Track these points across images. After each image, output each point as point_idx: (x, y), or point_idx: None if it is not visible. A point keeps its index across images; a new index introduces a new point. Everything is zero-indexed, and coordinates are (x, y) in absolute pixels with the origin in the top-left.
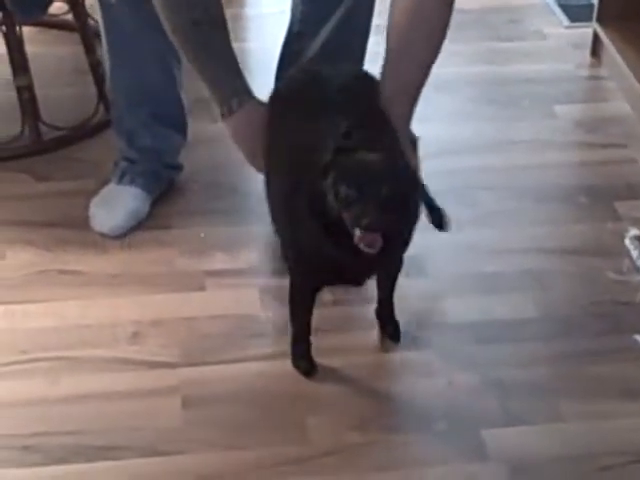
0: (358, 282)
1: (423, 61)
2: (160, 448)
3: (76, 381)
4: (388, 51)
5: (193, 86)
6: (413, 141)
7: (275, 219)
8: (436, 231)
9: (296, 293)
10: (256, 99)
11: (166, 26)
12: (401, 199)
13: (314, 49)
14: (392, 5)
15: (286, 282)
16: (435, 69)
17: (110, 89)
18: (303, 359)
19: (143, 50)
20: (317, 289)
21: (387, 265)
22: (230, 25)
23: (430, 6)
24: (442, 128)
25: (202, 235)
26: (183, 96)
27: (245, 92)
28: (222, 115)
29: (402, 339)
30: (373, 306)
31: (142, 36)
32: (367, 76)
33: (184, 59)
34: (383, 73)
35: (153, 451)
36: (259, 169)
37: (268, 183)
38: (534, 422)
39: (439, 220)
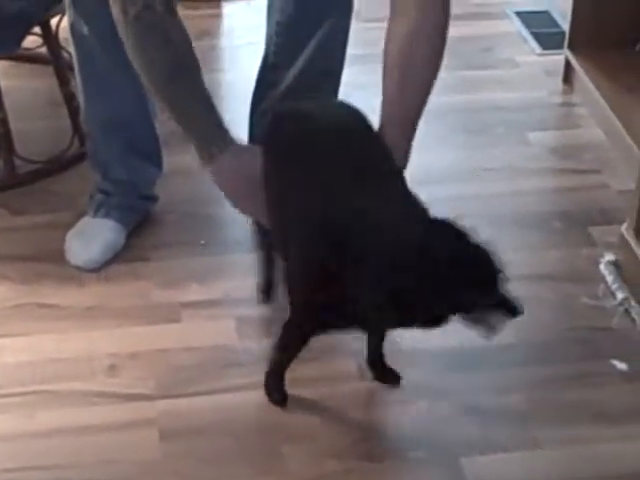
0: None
1: (423, 91)
2: None
3: (52, 415)
4: (386, 85)
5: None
6: None
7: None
8: None
9: (298, 335)
10: (239, 144)
11: (142, 77)
12: None
13: (289, 81)
14: (387, 39)
15: (263, 311)
16: None
17: (84, 122)
18: (277, 391)
19: (116, 83)
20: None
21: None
22: (205, 56)
23: (426, 35)
24: (416, 157)
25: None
26: (157, 128)
27: (225, 138)
28: (203, 162)
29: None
30: (349, 335)
31: (115, 69)
32: (356, 112)
33: (164, 106)
34: (384, 107)
35: None
36: (251, 216)
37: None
38: (512, 449)
39: None
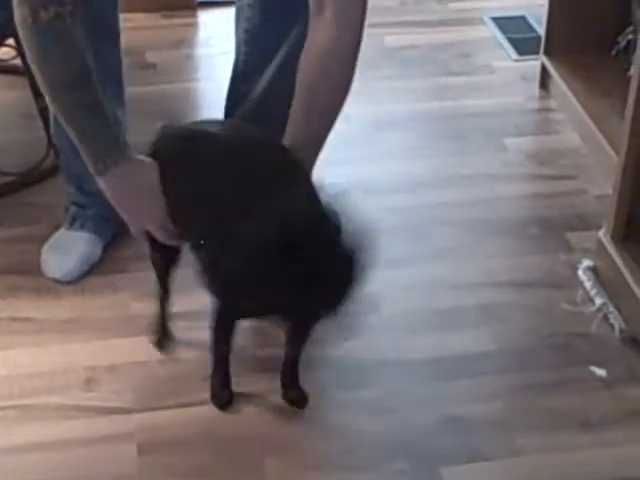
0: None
1: (330, 115)
2: None
3: (30, 430)
4: (294, 106)
5: (140, 128)
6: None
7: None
8: (390, 268)
9: (222, 322)
10: (134, 156)
11: (39, 83)
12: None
13: (260, 89)
14: (303, 54)
15: (242, 324)
16: (385, 106)
17: (55, 136)
18: (221, 391)
19: None
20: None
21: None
22: (181, 65)
23: (340, 56)
24: (394, 165)
25: None
26: (128, 139)
27: (122, 150)
28: (96, 172)
29: (357, 377)
30: (324, 344)
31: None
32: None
33: (60, 117)
34: (289, 128)
35: None
36: (137, 232)
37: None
38: (493, 457)
39: None
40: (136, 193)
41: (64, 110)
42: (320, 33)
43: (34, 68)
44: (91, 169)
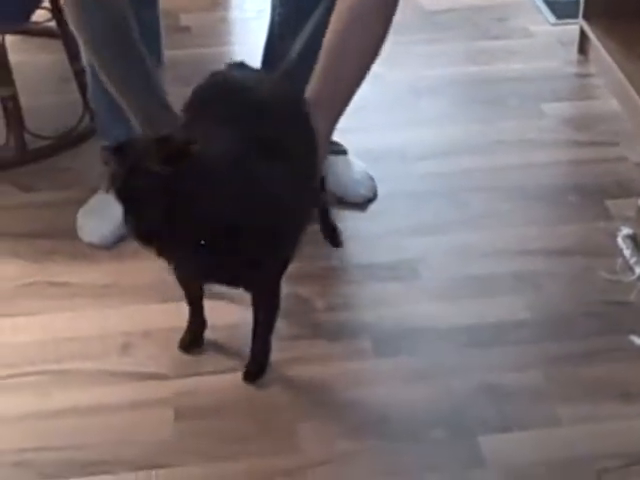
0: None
1: (353, 77)
2: (153, 461)
3: (66, 395)
4: (318, 66)
5: (174, 92)
6: (344, 151)
7: None
8: (427, 234)
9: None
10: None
11: (82, 42)
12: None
13: (296, 50)
14: (333, 14)
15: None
16: (422, 70)
17: (91, 100)
18: (189, 331)
19: None
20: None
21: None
22: (215, 28)
23: (367, 19)
24: (429, 130)
25: None
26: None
27: (163, 101)
28: (142, 124)
29: (395, 344)
30: (364, 312)
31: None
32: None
33: (102, 74)
34: (311, 86)
35: (146, 464)
36: None
37: None
38: (531, 427)
39: (332, 236)
40: None
41: (105, 65)
42: None
43: (72, 21)
44: (134, 121)
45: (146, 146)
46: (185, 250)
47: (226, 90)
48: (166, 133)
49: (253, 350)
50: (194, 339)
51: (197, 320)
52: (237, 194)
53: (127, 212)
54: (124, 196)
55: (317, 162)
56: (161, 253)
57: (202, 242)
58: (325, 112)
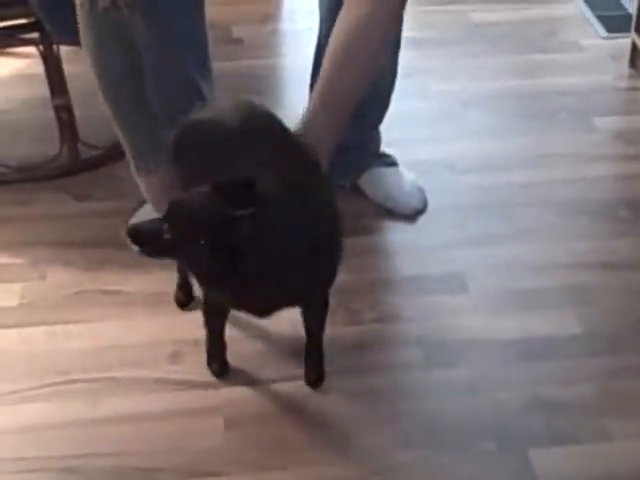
0: (260, 315)
1: (361, 79)
2: (202, 469)
3: (116, 402)
4: (325, 67)
5: None
6: (394, 163)
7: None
8: (476, 247)
9: (206, 306)
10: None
11: (93, 72)
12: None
13: None
14: (337, 21)
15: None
16: (471, 83)
17: None
18: (214, 362)
19: (171, 76)
20: (224, 307)
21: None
22: (266, 40)
23: (377, 23)
24: (479, 143)
25: None
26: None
27: (162, 151)
28: (137, 174)
29: (446, 356)
30: (413, 324)
31: (167, 59)
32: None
33: (107, 108)
34: (317, 89)
35: (194, 472)
36: None
37: None
38: (582, 441)
39: None
40: (166, 195)
41: (112, 102)
42: (356, 2)
43: (88, 56)
44: (131, 167)
45: (206, 195)
46: (260, 288)
47: (214, 130)
48: (224, 178)
49: (310, 357)
50: (222, 364)
51: (220, 346)
52: (301, 219)
53: (203, 263)
54: (203, 248)
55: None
56: (219, 289)
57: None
58: (331, 115)
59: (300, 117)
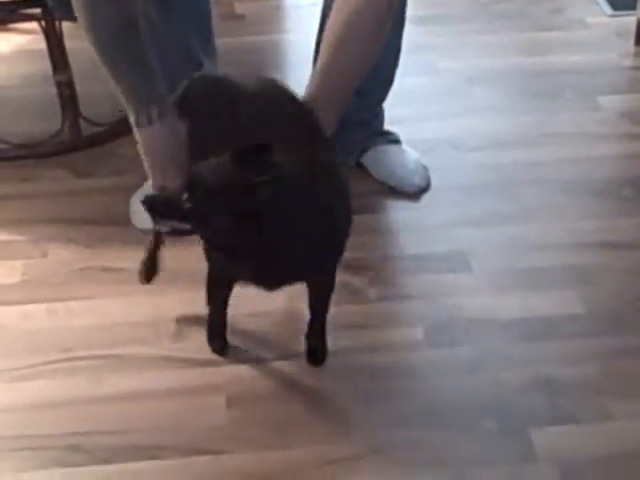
0: (269, 287)
1: (359, 63)
2: (205, 447)
3: (119, 380)
4: (323, 50)
5: None
6: (397, 140)
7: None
8: (480, 226)
9: (211, 282)
10: (173, 114)
11: (81, 24)
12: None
13: None
14: (334, 7)
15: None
16: (476, 61)
17: None
18: (215, 339)
19: (172, 48)
20: (231, 282)
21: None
22: (270, 16)
23: (372, 8)
24: (483, 121)
25: None
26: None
27: (165, 103)
28: (138, 125)
29: (448, 335)
30: (416, 302)
31: (167, 30)
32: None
33: (99, 60)
34: (315, 72)
35: (198, 450)
36: (156, 189)
37: None
38: (583, 420)
39: None
40: (166, 151)
41: (109, 62)
42: None
43: (80, 16)
44: (132, 120)
45: (224, 164)
46: (274, 258)
47: (228, 92)
48: (241, 148)
49: (313, 335)
50: (222, 341)
51: (221, 324)
52: (314, 194)
53: (222, 230)
54: (223, 216)
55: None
56: (237, 259)
57: (288, 246)
58: (329, 99)
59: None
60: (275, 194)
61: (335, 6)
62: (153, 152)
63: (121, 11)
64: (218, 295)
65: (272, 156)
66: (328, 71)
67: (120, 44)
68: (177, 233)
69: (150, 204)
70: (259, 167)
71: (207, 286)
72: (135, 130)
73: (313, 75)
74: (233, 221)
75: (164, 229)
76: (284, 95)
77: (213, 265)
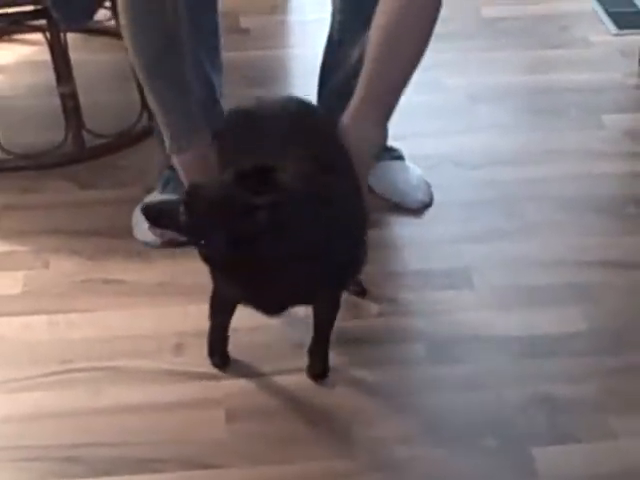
0: (270, 312)
1: (406, 66)
2: (204, 461)
3: (119, 392)
4: (369, 57)
5: (232, 93)
6: (400, 156)
7: None
8: (482, 242)
9: (215, 299)
10: (207, 137)
11: (128, 48)
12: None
13: (355, 58)
14: (377, 11)
15: None
16: (480, 77)
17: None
18: (216, 354)
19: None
20: (233, 301)
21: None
22: (275, 31)
23: (417, 9)
24: (487, 138)
25: None
26: (223, 105)
27: (197, 132)
28: (170, 151)
29: (449, 352)
30: (418, 318)
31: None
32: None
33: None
34: (362, 80)
35: (197, 464)
36: None
37: None
38: (584, 439)
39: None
40: (203, 172)
41: (149, 80)
42: None
43: (125, 33)
44: (167, 144)
45: (226, 182)
46: (273, 282)
47: (257, 119)
48: (244, 166)
49: (316, 351)
50: (223, 355)
51: (222, 339)
52: (322, 212)
53: (218, 250)
54: (219, 235)
55: (358, 174)
56: (234, 280)
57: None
58: (378, 105)
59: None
60: (274, 218)
61: (379, 9)
62: (187, 175)
63: (165, 30)
64: (220, 312)
65: (275, 178)
66: (376, 75)
67: (161, 63)
68: (175, 244)
69: (148, 212)
70: (259, 188)
71: (210, 302)
72: (170, 154)
73: (360, 82)
74: (228, 240)
75: (160, 239)
76: (319, 126)
77: (216, 283)
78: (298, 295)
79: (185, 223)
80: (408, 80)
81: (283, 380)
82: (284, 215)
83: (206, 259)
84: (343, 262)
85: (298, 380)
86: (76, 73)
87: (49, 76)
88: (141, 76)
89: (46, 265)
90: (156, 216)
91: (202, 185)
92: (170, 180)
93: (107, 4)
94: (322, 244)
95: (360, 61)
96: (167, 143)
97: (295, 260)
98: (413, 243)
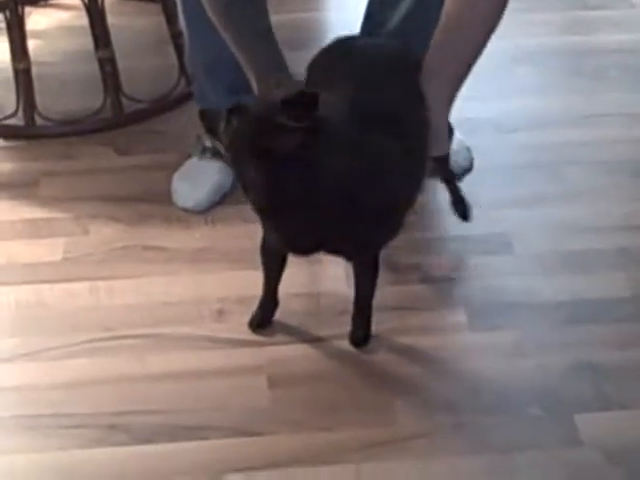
0: (299, 250)
1: (474, 45)
2: (246, 428)
3: (161, 359)
4: (441, 26)
5: None
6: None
7: None
8: (523, 207)
9: (263, 247)
10: (293, 78)
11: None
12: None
13: (397, 19)
14: None
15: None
16: (519, 39)
17: (188, 63)
18: (260, 310)
19: None
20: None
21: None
22: None
23: None
24: (527, 101)
25: None
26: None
27: (284, 70)
28: (259, 92)
29: (491, 319)
30: (459, 285)
31: None
32: (407, 54)
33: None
34: (429, 56)
35: (239, 431)
36: None
37: None
38: (629, 406)
39: (462, 210)
40: None
41: (233, 29)
42: None
43: None
44: (249, 76)
45: (271, 104)
46: (300, 215)
47: (348, 57)
48: (292, 91)
49: (358, 317)
50: (264, 320)
51: (270, 300)
52: (359, 161)
53: (249, 170)
54: (249, 154)
55: (428, 134)
56: (271, 216)
57: (320, 207)
58: (445, 82)
59: None
60: (306, 142)
61: None
62: None
63: None
64: (269, 264)
65: (316, 106)
66: (443, 52)
67: (245, 11)
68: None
69: (202, 114)
70: (299, 114)
71: (260, 251)
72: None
73: (426, 58)
74: (259, 159)
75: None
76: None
77: (264, 231)
78: (329, 237)
79: (224, 130)
80: (472, 61)
81: (325, 347)
82: (314, 142)
83: (244, 188)
84: (377, 215)
85: (340, 347)
86: (114, 38)
87: (87, 41)
88: (222, 25)
89: (86, 232)
90: (206, 119)
91: (246, 104)
92: (209, 146)
93: None
94: (353, 185)
95: (401, 23)
96: (254, 84)
97: (326, 194)
98: None
